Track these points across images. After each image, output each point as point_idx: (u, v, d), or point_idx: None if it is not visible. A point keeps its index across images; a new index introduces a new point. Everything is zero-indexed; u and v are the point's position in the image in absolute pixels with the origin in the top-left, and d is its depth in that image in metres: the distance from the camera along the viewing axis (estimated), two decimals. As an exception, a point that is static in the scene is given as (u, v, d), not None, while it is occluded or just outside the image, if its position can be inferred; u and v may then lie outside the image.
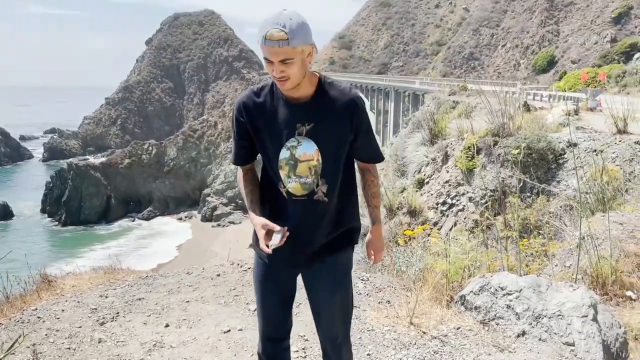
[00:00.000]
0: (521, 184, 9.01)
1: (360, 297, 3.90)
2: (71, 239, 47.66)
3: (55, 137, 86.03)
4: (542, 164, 9.31)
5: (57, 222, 52.89)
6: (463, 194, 10.92)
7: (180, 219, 54.12)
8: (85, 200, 54.34)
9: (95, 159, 66.54)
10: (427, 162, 12.92)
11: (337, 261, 2.23)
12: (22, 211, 54.50)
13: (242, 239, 31.51)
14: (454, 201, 11.11)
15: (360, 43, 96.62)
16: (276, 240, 1.99)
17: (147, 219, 55.05)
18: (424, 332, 3.42)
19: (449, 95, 24.49)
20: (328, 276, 2.22)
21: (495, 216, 8.79)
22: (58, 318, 3.37)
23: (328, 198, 2.15)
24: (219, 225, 50.01)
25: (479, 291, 3.62)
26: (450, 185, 11.38)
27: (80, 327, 3.28)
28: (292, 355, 2.38)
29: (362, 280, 4.16)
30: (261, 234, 2.03)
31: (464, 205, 10.81)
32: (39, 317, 3.35)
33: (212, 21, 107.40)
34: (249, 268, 4.27)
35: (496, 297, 3.54)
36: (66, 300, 3.61)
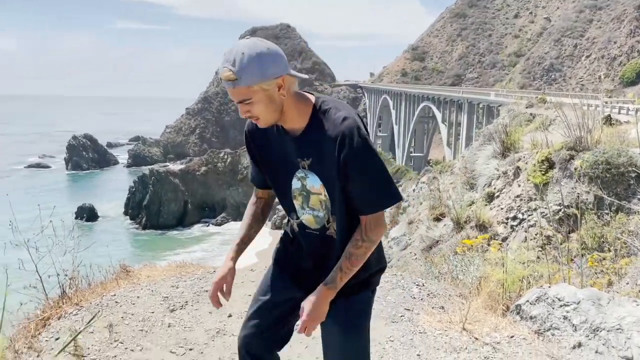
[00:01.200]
0: (598, 200, 8.63)
1: (414, 302, 3.97)
2: (152, 242, 50.24)
3: (139, 144, 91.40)
4: (622, 180, 8.86)
5: (137, 225, 56.06)
6: (535, 209, 10.57)
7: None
8: (164, 204, 57.26)
9: (175, 166, 69.88)
10: (498, 176, 12.60)
11: (352, 304, 1.98)
12: (107, 213, 58.26)
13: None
14: (524, 216, 10.76)
15: (433, 54, 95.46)
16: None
17: (220, 224, 57.12)
18: (477, 338, 3.44)
19: (526, 107, 23.67)
20: (339, 317, 1.96)
21: (569, 233, 8.46)
22: (133, 304, 3.70)
23: (338, 235, 1.94)
24: (287, 233, 50.76)
25: (536, 301, 3.58)
26: (521, 199, 11.04)
27: (152, 312, 3.60)
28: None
29: (417, 285, 4.23)
30: (215, 287, 2.03)
31: (535, 221, 10.46)
32: (116, 302, 3.70)
33: (287, 34, 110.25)
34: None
35: (553, 308, 3.49)
36: (141, 289, 3.96)
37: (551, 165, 10.27)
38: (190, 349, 3.21)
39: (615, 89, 58.59)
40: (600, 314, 3.31)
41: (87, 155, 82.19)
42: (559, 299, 3.49)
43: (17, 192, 53.39)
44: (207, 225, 57.37)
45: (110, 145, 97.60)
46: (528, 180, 11.00)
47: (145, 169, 65.85)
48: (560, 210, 9.57)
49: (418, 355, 3.25)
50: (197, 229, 56.13)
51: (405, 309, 3.84)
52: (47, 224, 3.66)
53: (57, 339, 3.17)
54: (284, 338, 2.14)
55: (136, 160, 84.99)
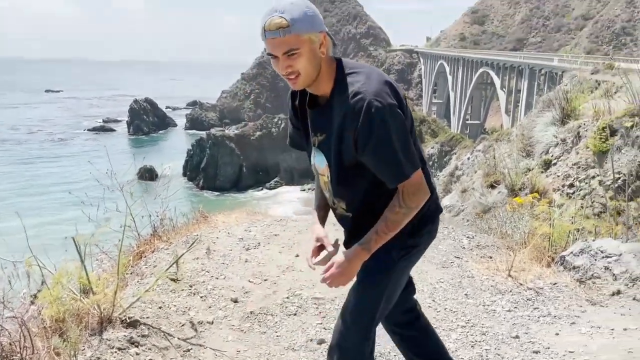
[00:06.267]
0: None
1: (464, 251, 4.31)
2: (211, 201, 51.97)
3: (196, 108, 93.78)
4: (686, 148, 8.68)
5: (195, 186, 58.30)
6: (593, 177, 10.48)
7: (304, 190, 56.89)
8: (221, 168, 59.13)
9: (230, 131, 71.43)
10: (556, 143, 12.44)
11: (373, 260, 1.87)
12: (166, 174, 60.71)
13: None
14: (582, 184, 10.69)
15: (494, 18, 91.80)
16: (320, 257, 1.93)
17: (273, 188, 58.57)
18: (521, 284, 3.77)
19: (591, 74, 22.78)
20: (361, 269, 1.90)
21: (628, 201, 8.44)
22: (214, 242, 4.24)
23: (351, 212, 1.94)
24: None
25: (579, 253, 3.85)
26: (579, 167, 10.94)
27: (231, 250, 4.13)
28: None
29: (467, 237, 4.56)
30: (313, 245, 1.98)
31: (593, 189, 10.39)
32: (200, 240, 4.24)
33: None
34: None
35: (595, 259, 3.75)
36: (219, 231, 4.50)
37: (612, 133, 10.12)
38: (265, 280, 3.72)
39: (693, 54, 54.64)
40: (641, 265, 3.55)
41: (148, 119, 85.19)
42: (601, 251, 3.74)
43: (86, 155, 56.26)
44: (261, 189, 58.91)
45: (169, 109, 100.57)
46: (587, 148, 10.87)
47: (203, 133, 67.81)
48: (619, 178, 9.49)
49: (466, 294, 3.62)
50: (251, 193, 57.73)
51: (455, 256, 4.20)
52: (125, 181, 4.15)
53: (154, 266, 3.75)
54: None
55: (194, 124, 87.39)
